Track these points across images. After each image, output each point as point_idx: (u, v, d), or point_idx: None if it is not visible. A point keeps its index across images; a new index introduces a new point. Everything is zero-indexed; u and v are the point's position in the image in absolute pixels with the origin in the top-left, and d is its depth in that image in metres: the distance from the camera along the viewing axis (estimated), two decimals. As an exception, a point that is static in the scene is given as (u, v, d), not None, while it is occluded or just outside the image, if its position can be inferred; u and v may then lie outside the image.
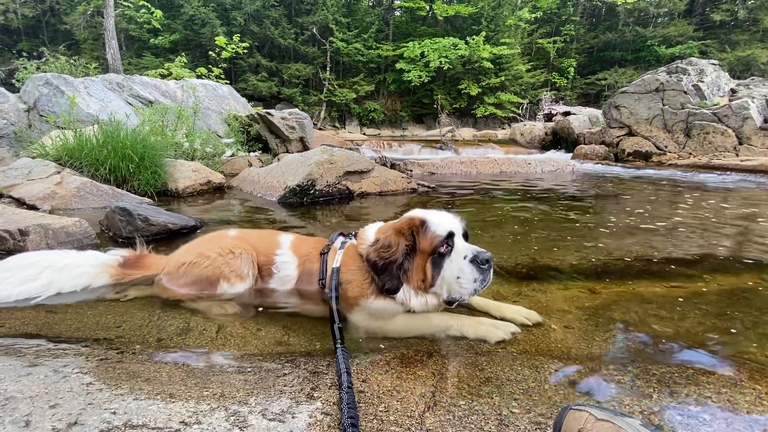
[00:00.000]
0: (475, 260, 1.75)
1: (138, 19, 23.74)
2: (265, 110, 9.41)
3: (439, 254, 1.79)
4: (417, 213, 1.92)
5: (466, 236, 1.90)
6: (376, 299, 1.86)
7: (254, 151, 8.91)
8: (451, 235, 1.79)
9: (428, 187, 6.19)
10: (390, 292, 1.80)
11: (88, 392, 1.20)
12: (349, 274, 1.90)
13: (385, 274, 1.78)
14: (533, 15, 30.41)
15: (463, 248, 1.80)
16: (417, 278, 1.82)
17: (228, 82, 15.80)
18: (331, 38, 28.23)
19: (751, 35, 28.13)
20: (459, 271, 1.77)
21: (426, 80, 27.84)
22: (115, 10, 20.30)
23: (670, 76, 11.67)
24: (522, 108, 29.14)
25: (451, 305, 1.88)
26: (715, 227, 4.05)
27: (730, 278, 2.61)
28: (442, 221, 1.83)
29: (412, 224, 1.84)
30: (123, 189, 4.84)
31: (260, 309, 2.04)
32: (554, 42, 31.49)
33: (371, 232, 2.00)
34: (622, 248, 3.23)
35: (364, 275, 1.90)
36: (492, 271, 1.80)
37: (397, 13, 33.39)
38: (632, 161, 11.53)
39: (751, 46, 27.15)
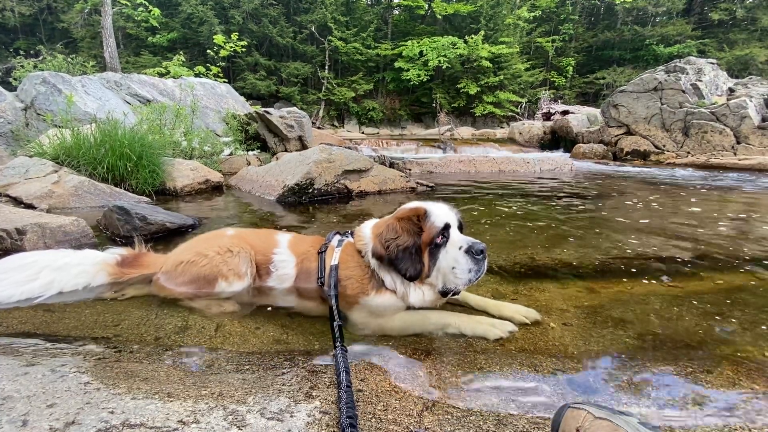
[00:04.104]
0: (470, 251, 1.76)
1: (136, 18, 23.68)
2: (263, 109, 9.39)
3: (435, 245, 1.80)
4: (417, 204, 1.92)
5: (461, 228, 1.90)
6: (376, 295, 1.87)
7: (253, 149, 8.91)
8: (447, 227, 1.81)
9: (427, 186, 6.19)
10: (413, 278, 1.80)
11: (86, 391, 1.19)
12: (348, 270, 1.91)
13: (403, 261, 1.78)
14: (532, 14, 30.44)
15: (458, 239, 1.81)
16: None
17: (226, 80, 15.78)
18: (329, 37, 28.20)
19: (750, 34, 28.22)
20: (454, 261, 1.77)
21: (425, 79, 27.86)
22: (112, 9, 20.22)
23: (669, 75, 11.69)
24: (521, 107, 29.19)
25: (446, 296, 1.89)
26: (713, 226, 4.06)
27: (728, 277, 2.61)
28: (439, 212, 1.85)
29: (418, 212, 1.86)
30: (121, 188, 4.82)
31: (258, 308, 2.04)
32: (553, 41, 31.52)
33: (368, 229, 2.00)
34: (620, 247, 3.24)
35: (363, 271, 1.90)
36: (486, 262, 1.80)
37: (396, 12, 33.36)
38: (630, 160, 11.55)
39: (749, 45, 27.24)
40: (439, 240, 1.80)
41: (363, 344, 1.72)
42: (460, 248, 1.78)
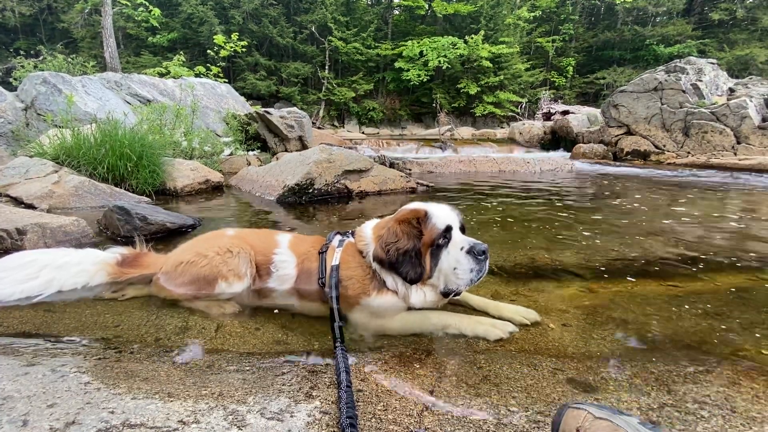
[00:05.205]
0: (471, 251, 1.76)
1: (136, 18, 23.69)
2: (263, 109, 9.39)
3: (437, 246, 1.80)
4: (417, 205, 1.92)
5: (462, 228, 1.90)
6: (377, 296, 1.86)
7: (253, 150, 8.91)
8: (448, 228, 1.81)
9: (427, 186, 6.19)
10: (413, 281, 1.80)
11: (86, 391, 1.20)
12: (349, 271, 1.91)
13: (404, 265, 1.78)
14: (532, 14, 30.43)
15: (460, 240, 1.81)
16: None
17: (226, 80, 15.80)
18: (329, 37, 28.20)
19: (750, 34, 28.20)
20: (456, 262, 1.77)
21: (425, 79, 27.84)
22: (112, 9, 20.24)
23: (669, 76, 11.69)
24: (521, 107, 29.18)
25: (447, 297, 1.89)
26: (713, 226, 4.06)
27: (727, 277, 2.61)
28: (440, 213, 1.85)
29: (418, 214, 1.85)
30: (121, 188, 4.82)
31: (259, 308, 2.04)
32: (553, 41, 31.51)
33: (369, 229, 2.00)
34: (620, 248, 3.24)
35: (365, 272, 1.90)
36: (488, 262, 1.80)
37: (396, 12, 33.35)
38: (631, 160, 11.54)
39: (749, 45, 27.22)
40: (440, 241, 1.79)
41: (363, 344, 1.73)
42: (461, 249, 1.78)
